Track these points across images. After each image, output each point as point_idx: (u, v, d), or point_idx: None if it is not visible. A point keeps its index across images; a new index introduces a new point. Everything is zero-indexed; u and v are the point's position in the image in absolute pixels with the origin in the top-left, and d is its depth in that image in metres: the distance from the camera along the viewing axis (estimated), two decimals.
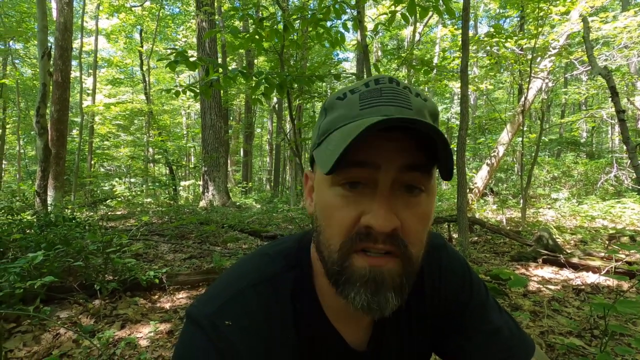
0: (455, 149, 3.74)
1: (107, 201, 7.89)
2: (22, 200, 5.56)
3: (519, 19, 10.34)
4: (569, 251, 3.69)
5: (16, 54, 13.92)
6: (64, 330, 2.01)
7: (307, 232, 0.58)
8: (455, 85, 8.27)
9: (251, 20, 3.21)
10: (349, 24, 3.51)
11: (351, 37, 14.90)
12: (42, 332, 2.01)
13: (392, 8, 3.04)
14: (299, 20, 3.34)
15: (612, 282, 2.87)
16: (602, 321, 1.36)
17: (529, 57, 5.87)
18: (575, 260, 3.32)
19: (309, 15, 3.08)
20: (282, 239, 0.61)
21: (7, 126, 15.05)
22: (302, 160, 4.23)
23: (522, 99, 7.33)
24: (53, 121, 6.84)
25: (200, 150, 12.06)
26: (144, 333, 2.07)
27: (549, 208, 7.16)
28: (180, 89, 2.71)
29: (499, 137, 8.10)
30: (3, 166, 17.35)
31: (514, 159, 11.69)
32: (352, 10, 3.67)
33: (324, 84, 12.86)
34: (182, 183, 13.07)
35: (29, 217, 3.66)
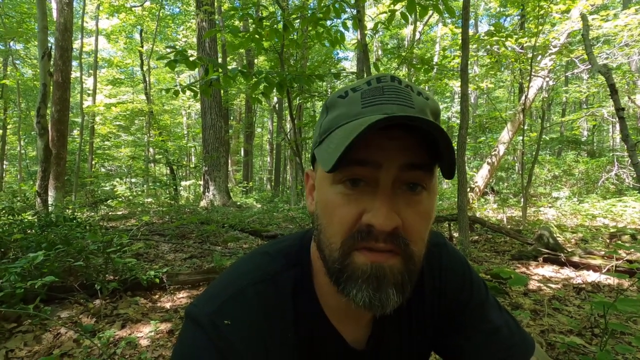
0: (456, 147, 3.74)
1: (108, 201, 7.90)
2: (23, 200, 5.57)
3: (519, 17, 10.31)
4: (569, 250, 3.69)
5: (17, 54, 13.95)
6: (64, 330, 2.02)
7: (308, 231, 0.58)
8: (456, 84, 8.26)
9: (251, 20, 3.21)
10: (349, 23, 3.51)
11: (351, 36, 14.89)
12: (42, 332, 2.01)
13: (392, 7, 3.04)
14: (298, 20, 3.34)
15: (612, 280, 2.87)
16: (603, 320, 1.36)
17: (530, 55, 5.86)
18: (576, 259, 3.31)
19: (309, 15, 3.08)
20: (282, 238, 0.61)
21: (8, 126, 15.08)
22: (303, 160, 4.23)
23: (523, 97, 7.32)
24: (54, 121, 6.86)
25: (200, 150, 12.08)
26: (144, 332, 2.07)
27: (550, 207, 7.15)
28: (180, 89, 2.72)
29: (499, 136, 8.09)
30: (4, 166, 17.38)
31: (515, 158, 11.67)
32: (352, 10, 3.66)
33: (324, 83, 12.86)
34: (183, 183, 13.08)
35: (29, 218, 3.66)
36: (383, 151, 0.41)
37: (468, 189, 5.81)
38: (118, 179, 10.89)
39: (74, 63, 13.07)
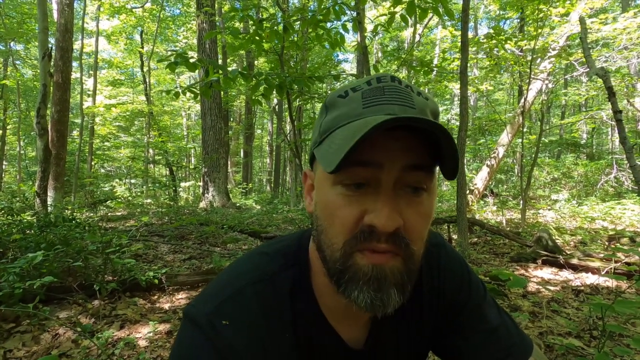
0: None
1: (107, 202, 7.89)
2: (22, 200, 5.57)
3: (518, 20, 10.35)
4: (568, 252, 3.69)
5: (17, 55, 13.96)
6: (63, 330, 2.02)
7: (306, 231, 0.58)
8: (455, 87, 8.28)
9: (251, 22, 3.22)
10: (349, 25, 3.51)
11: (351, 39, 14.93)
12: (41, 332, 2.01)
13: (392, 9, 3.05)
14: (299, 22, 3.35)
15: (611, 283, 2.87)
16: (601, 322, 1.36)
17: (529, 58, 5.88)
18: (574, 261, 3.32)
19: (309, 17, 3.09)
20: (280, 238, 0.61)
21: (8, 127, 15.08)
22: (302, 161, 4.23)
23: (522, 100, 7.34)
24: (53, 122, 6.86)
25: (200, 151, 12.08)
26: (143, 333, 2.07)
27: (549, 209, 7.16)
28: (180, 90, 2.72)
29: (499, 138, 8.11)
30: (3, 167, 17.37)
31: (514, 160, 11.69)
32: (352, 12, 3.68)
33: (323, 84, 12.88)
34: (182, 184, 13.08)
35: (28, 218, 3.66)
36: (385, 152, 0.41)
37: (467, 191, 5.82)
38: (117, 180, 10.88)
39: (74, 64, 13.07)
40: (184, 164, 16.38)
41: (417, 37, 11.95)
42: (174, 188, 9.62)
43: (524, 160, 8.16)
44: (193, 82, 16.90)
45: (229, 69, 2.76)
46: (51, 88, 6.16)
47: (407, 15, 2.84)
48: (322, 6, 3.03)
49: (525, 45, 6.21)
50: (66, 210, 5.16)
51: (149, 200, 9.58)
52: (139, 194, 10.54)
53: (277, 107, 13.42)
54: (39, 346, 1.88)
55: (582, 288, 2.84)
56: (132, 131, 15.60)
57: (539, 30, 5.68)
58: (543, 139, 10.09)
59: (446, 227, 4.71)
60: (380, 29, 3.58)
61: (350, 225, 0.43)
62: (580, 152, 13.15)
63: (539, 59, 6.61)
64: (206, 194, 9.18)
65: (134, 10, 13.55)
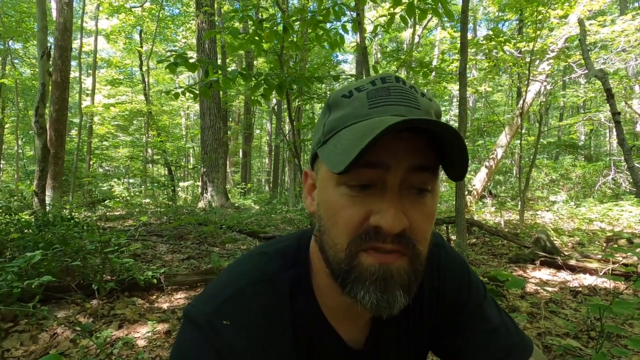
0: None
1: (106, 201, 7.87)
2: (20, 200, 5.55)
3: (517, 22, 10.38)
4: (566, 253, 3.70)
5: (15, 53, 13.91)
6: (61, 330, 2.01)
7: (306, 231, 0.58)
8: (454, 88, 8.30)
9: (251, 22, 3.22)
10: (349, 26, 3.52)
11: (350, 39, 14.93)
12: (39, 331, 2.00)
13: (392, 10, 3.06)
14: (298, 22, 3.36)
15: (609, 284, 2.88)
16: (599, 323, 1.37)
17: (528, 60, 5.90)
18: (572, 262, 3.33)
19: (309, 17, 3.10)
20: (280, 238, 0.61)
21: (6, 126, 15.03)
22: (302, 162, 4.24)
23: (521, 101, 7.36)
24: (52, 121, 6.84)
25: (199, 151, 12.06)
26: (141, 333, 2.07)
27: (547, 210, 7.18)
28: (180, 91, 2.72)
29: (497, 139, 8.13)
30: (1, 166, 17.31)
31: (513, 162, 11.72)
32: (352, 12, 3.68)
33: (323, 85, 12.89)
34: (181, 184, 13.07)
35: (27, 217, 3.65)
36: (392, 153, 0.41)
37: (466, 192, 5.83)
38: (116, 179, 10.86)
39: (73, 63, 13.03)
40: (183, 163, 16.38)
41: (417, 38, 11.97)
42: (172, 188, 9.61)
43: (523, 162, 8.17)
44: (192, 81, 16.91)
45: (229, 69, 2.76)
46: (50, 87, 6.14)
47: (406, 16, 2.85)
48: (322, 7, 3.04)
49: (524, 47, 6.23)
50: (64, 210, 5.15)
51: (147, 200, 9.57)
52: (137, 193, 10.51)
53: (276, 107, 13.42)
54: (37, 346, 1.88)
55: (580, 289, 2.85)
56: (130, 131, 15.57)
57: (538, 32, 5.70)
58: (541, 140, 10.11)
59: (445, 228, 4.72)
60: (380, 30, 3.59)
61: (355, 225, 0.42)
62: (578, 154, 13.19)
63: (538, 61, 6.63)
64: (205, 194, 9.17)
65: (133, 9, 13.53)
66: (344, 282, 0.44)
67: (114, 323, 2.17)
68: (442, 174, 0.47)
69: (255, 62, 14.08)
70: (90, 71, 15.33)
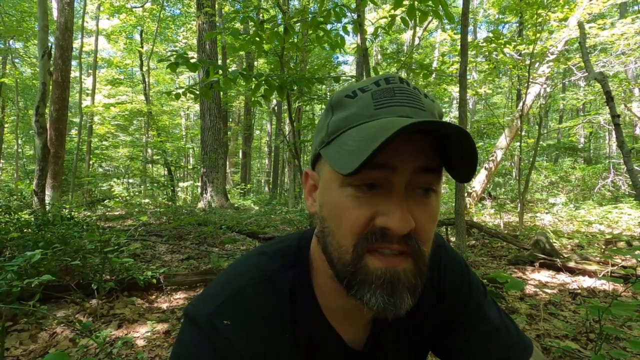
0: None
1: (105, 201, 7.87)
2: (19, 199, 5.55)
3: (517, 24, 10.41)
4: (565, 255, 3.71)
5: (16, 53, 13.92)
6: (60, 329, 2.01)
7: (306, 231, 0.58)
8: (454, 90, 8.32)
9: (252, 23, 3.23)
10: (349, 28, 3.53)
11: (351, 41, 14.96)
12: (38, 330, 2.00)
13: (392, 12, 3.06)
14: (299, 23, 3.37)
15: (608, 286, 2.88)
16: (598, 325, 1.37)
17: (528, 62, 5.91)
18: (571, 264, 3.33)
19: (310, 18, 3.10)
20: (280, 238, 0.61)
21: (6, 125, 15.02)
22: (302, 163, 4.24)
23: (521, 104, 7.37)
24: (52, 120, 6.84)
25: (199, 151, 12.06)
26: (141, 333, 2.07)
27: (547, 213, 7.18)
28: (180, 91, 2.72)
29: (497, 141, 8.13)
30: (1, 165, 17.30)
31: (512, 164, 11.73)
32: (353, 14, 3.69)
33: (323, 86, 12.90)
34: (181, 184, 13.05)
35: (26, 216, 3.65)
36: (399, 154, 0.41)
37: (465, 194, 5.84)
38: (115, 179, 10.85)
39: (74, 63, 13.04)
40: (183, 164, 16.36)
41: (417, 40, 11.99)
42: (172, 188, 9.60)
43: (522, 164, 8.19)
44: (192, 82, 16.92)
45: (229, 69, 2.77)
46: (50, 86, 6.14)
47: (407, 18, 2.85)
48: (323, 8, 3.05)
49: (524, 49, 6.24)
50: (64, 209, 5.15)
51: (147, 200, 9.56)
52: (137, 193, 10.50)
53: (276, 108, 13.43)
54: (36, 345, 1.88)
55: (579, 291, 2.85)
56: (130, 131, 15.56)
57: (538, 35, 5.71)
58: (541, 142, 10.12)
59: (444, 230, 4.72)
60: (380, 32, 3.60)
61: (361, 226, 0.42)
62: (577, 156, 13.21)
63: (538, 63, 6.64)
64: (204, 194, 9.17)
65: (134, 9, 13.53)
66: (350, 284, 0.43)
67: (113, 323, 2.17)
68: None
69: (255, 63, 14.09)
70: (90, 71, 15.33)
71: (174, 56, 2.50)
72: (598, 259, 3.42)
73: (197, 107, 15.88)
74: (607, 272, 2.89)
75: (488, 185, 8.40)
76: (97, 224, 3.87)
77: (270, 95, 2.83)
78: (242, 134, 17.41)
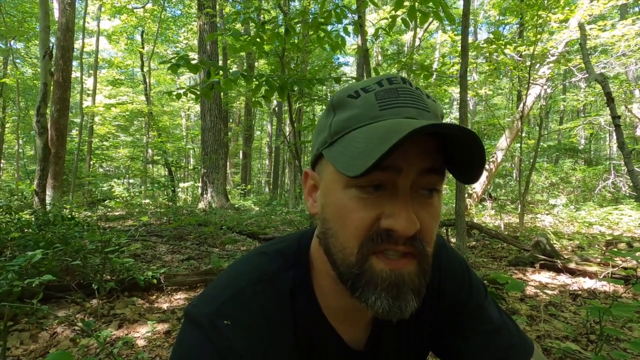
0: None
1: (106, 201, 7.88)
2: (20, 199, 5.56)
3: (518, 26, 10.42)
4: (566, 257, 3.70)
5: (17, 53, 13.94)
6: (61, 329, 2.01)
7: (306, 232, 0.58)
8: (455, 91, 8.32)
9: (252, 24, 3.24)
10: (350, 28, 3.53)
11: (352, 42, 14.97)
12: (39, 330, 2.00)
13: (393, 13, 3.07)
14: (300, 24, 3.37)
15: (608, 287, 2.88)
16: (598, 326, 1.37)
17: (528, 63, 5.92)
18: (572, 265, 3.33)
19: (311, 19, 3.11)
20: (280, 238, 0.61)
21: (7, 125, 15.04)
22: (302, 163, 4.24)
23: (521, 105, 7.37)
24: (53, 121, 6.84)
25: (199, 152, 12.07)
26: (141, 333, 2.07)
27: (547, 214, 7.18)
28: (181, 92, 2.73)
29: (497, 142, 8.13)
30: (1, 165, 17.32)
31: (513, 165, 11.73)
32: (353, 15, 3.70)
33: (324, 87, 12.91)
34: (181, 184, 13.05)
35: (27, 216, 3.65)
36: (405, 156, 0.41)
37: (466, 195, 5.83)
38: (116, 180, 10.86)
39: (75, 63, 13.06)
40: (183, 164, 16.37)
41: (417, 41, 11.99)
42: (172, 188, 9.61)
43: (523, 165, 8.18)
44: (193, 82, 16.94)
45: (230, 70, 2.77)
46: (51, 87, 6.15)
47: (408, 19, 2.86)
48: (324, 9, 3.05)
49: (525, 50, 6.25)
50: (65, 209, 5.15)
51: (147, 201, 9.56)
52: (137, 194, 10.50)
53: (276, 108, 13.44)
54: (36, 345, 1.88)
55: (580, 292, 2.85)
56: (131, 131, 15.57)
57: (538, 36, 5.71)
58: (541, 143, 10.12)
59: (445, 230, 4.72)
60: (381, 33, 3.61)
61: (366, 228, 0.42)
62: (578, 158, 13.20)
63: (538, 65, 6.64)
64: (205, 195, 9.17)
65: (135, 10, 13.56)
66: (354, 286, 0.43)
67: (113, 323, 2.17)
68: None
69: (256, 63, 14.11)
70: (91, 71, 15.33)
71: (176, 58, 2.50)
72: (599, 260, 3.42)
73: (197, 107, 15.91)
74: (608, 273, 2.89)
75: (488, 186, 8.40)
76: (98, 224, 3.87)
77: (271, 96, 2.84)
78: (242, 135, 17.42)
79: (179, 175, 15.97)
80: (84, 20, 13.07)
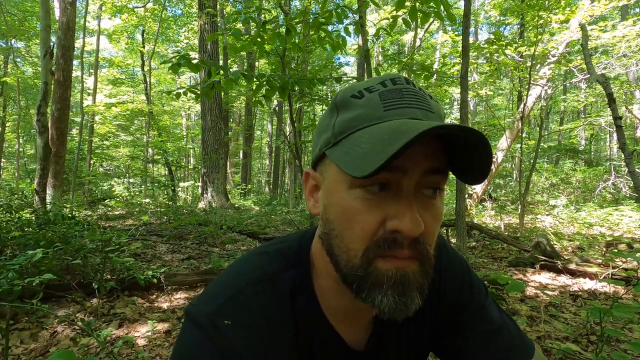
0: None
1: (106, 201, 7.88)
2: (20, 198, 5.56)
3: (519, 26, 10.41)
4: (566, 257, 3.70)
5: (18, 52, 13.95)
6: (61, 328, 2.01)
7: (307, 232, 0.58)
8: (455, 91, 8.31)
9: (253, 23, 3.24)
10: (351, 29, 3.53)
11: (352, 42, 14.97)
12: (39, 329, 2.01)
13: (394, 13, 3.07)
14: (301, 24, 3.37)
15: (609, 288, 2.88)
16: (599, 327, 1.37)
17: (529, 64, 5.92)
18: (572, 266, 3.33)
19: (311, 19, 3.11)
20: (281, 238, 0.61)
21: (7, 124, 15.05)
22: (302, 163, 4.24)
23: (522, 105, 7.37)
24: (53, 120, 6.84)
25: (199, 151, 12.08)
26: (141, 332, 2.07)
27: (547, 214, 7.18)
28: (182, 91, 2.73)
29: (498, 143, 8.13)
30: (2, 164, 17.33)
31: (513, 165, 11.73)
32: (354, 15, 3.70)
33: (324, 87, 12.91)
34: (181, 184, 13.06)
35: (27, 215, 3.65)
36: (409, 156, 0.41)
37: (466, 195, 5.83)
38: (116, 179, 10.87)
39: (75, 62, 13.08)
40: (183, 164, 16.38)
41: (418, 42, 11.99)
42: (172, 188, 9.62)
43: (523, 166, 8.19)
44: (193, 82, 16.95)
45: (230, 70, 2.78)
46: (52, 86, 6.15)
47: (409, 19, 2.86)
48: (325, 9, 3.05)
49: (525, 51, 6.25)
50: (65, 208, 5.15)
51: (147, 200, 9.56)
52: (137, 193, 10.51)
53: (277, 108, 13.45)
54: (37, 344, 1.88)
55: (580, 293, 2.85)
56: (131, 130, 15.57)
57: (539, 37, 5.71)
58: (542, 144, 10.12)
59: (445, 231, 4.72)
60: (382, 33, 3.61)
61: (372, 230, 0.42)
62: (578, 158, 13.20)
63: (539, 65, 6.64)
64: (205, 195, 9.17)
65: (135, 10, 13.56)
66: (360, 287, 0.43)
67: (114, 322, 2.17)
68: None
69: (257, 63, 14.11)
70: (92, 70, 15.33)
71: (176, 57, 2.50)
72: (599, 261, 3.42)
73: (198, 107, 15.91)
74: (608, 274, 2.89)
75: (489, 187, 8.40)
76: (98, 224, 3.87)
77: (271, 96, 2.84)
78: (242, 134, 17.43)
79: (179, 174, 15.99)
80: (85, 19, 13.08)
